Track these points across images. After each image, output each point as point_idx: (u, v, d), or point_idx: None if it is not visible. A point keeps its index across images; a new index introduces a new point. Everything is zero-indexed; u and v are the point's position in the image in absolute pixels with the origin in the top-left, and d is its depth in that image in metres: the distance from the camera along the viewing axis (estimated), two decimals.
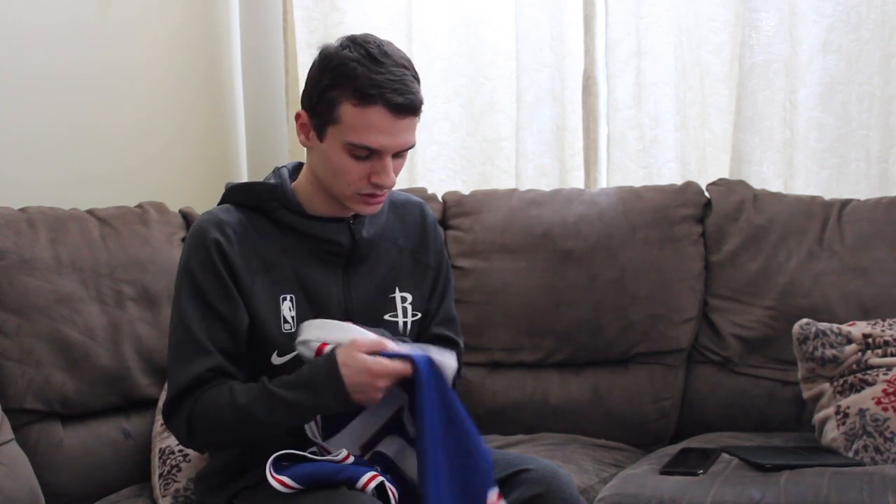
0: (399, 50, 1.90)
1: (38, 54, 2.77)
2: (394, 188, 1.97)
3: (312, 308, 1.95)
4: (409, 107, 1.85)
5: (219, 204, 2.00)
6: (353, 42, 1.87)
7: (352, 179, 1.88)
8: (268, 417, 1.84)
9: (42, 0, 2.81)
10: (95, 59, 2.95)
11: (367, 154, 1.86)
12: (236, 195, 1.99)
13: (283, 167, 2.02)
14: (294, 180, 2.00)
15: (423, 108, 1.91)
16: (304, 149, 1.97)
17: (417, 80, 1.89)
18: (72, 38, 2.88)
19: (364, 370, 1.80)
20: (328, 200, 1.95)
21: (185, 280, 1.92)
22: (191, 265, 1.92)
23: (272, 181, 1.98)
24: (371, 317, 1.98)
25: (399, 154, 1.90)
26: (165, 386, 2.14)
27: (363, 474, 1.82)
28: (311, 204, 1.96)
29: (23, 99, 2.74)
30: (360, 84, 1.83)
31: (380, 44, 1.87)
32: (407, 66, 1.88)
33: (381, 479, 1.82)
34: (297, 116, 1.93)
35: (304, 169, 1.99)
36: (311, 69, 1.92)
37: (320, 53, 1.90)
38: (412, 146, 1.91)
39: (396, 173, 1.91)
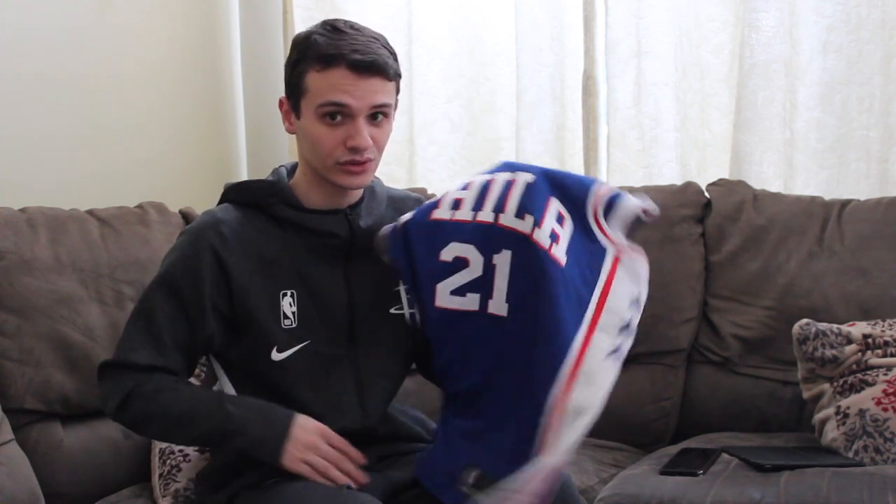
0: (372, 30, 1.91)
1: (38, 55, 2.78)
2: (395, 187, 1.96)
3: (314, 303, 1.95)
4: (371, 64, 1.85)
5: (218, 204, 2.00)
6: (323, 22, 1.91)
7: (329, 147, 1.88)
8: (206, 415, 1.86)
9: (42, 1, 2.81)
10: (96, 60, 2.95)
11: (339, 116, 1.86)
12: (234, 193, 1.99)
13: (281, 166, 2.03)
14: (292, 178, 2.00)
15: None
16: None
17: (391, 52, 1.90)
18: (72, 38, 2.89)
19: (318, 430, 1.86)
20: (323, 190, 1.95)
21: (167, 276, 1.92)
22: (174, 265, 1.92)
23: (270, 178, 1.99)
24: (376, 311, 1.98)
25: (376, 122, 1.89)
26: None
27: None
28: (308, 197, 1.96)
29: (23, 100, 2.75)
30: (322, 49, 1.85)
31: (348, 21, 1.90)
32: (377, 37, 1.89)
33: None
34: (280, 104, 1.95)
35: (298, 162, 2.00)
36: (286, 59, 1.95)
37: (292, 41, 1.93)
38: (384, 106, 1.89)
39: (378, 144, 1.90)
